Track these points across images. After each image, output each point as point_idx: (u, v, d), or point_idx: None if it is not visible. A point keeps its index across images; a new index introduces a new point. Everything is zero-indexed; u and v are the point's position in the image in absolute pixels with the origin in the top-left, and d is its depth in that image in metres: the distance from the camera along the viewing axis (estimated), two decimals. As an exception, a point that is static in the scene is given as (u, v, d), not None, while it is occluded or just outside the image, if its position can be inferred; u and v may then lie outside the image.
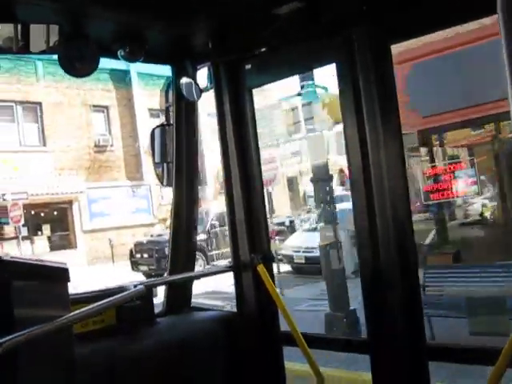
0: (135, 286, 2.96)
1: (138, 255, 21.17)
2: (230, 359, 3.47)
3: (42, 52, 2.73)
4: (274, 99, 8.48)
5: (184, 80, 3.49)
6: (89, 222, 28.06)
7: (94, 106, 28.78)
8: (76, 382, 2.22)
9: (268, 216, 12.15)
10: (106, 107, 29.51)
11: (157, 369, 3.09)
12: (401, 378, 3.00)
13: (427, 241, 12.72)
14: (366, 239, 3.05)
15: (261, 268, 3.40)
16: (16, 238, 24.35)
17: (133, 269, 21.40)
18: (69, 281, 2.23)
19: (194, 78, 3.53)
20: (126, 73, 28.84)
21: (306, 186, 39.28)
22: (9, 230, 25.18)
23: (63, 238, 27.76)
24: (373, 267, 3.03)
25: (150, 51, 3.16)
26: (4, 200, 23.38)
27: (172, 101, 3.69)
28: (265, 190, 13.28)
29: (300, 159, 40.02)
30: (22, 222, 23.71)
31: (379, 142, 2.95)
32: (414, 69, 10.91)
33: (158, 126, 3.76)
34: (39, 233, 27.15)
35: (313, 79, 8.39)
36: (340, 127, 9.97)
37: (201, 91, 3.54)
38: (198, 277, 4.22)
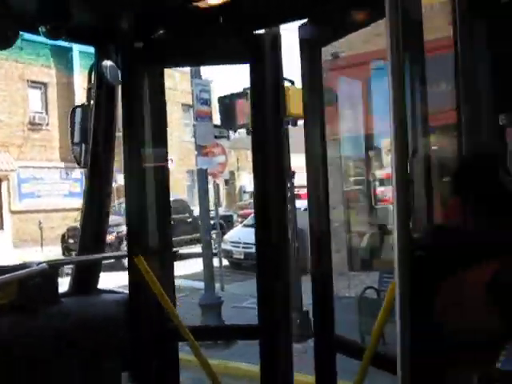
0: (38, 264, 2.96)
1: (71, 240, 20.38)
2: (130, 345, 3.40)
3: None
4: (239, 88, 8.35)
5: (107, 63, 3.51)
6: (18, 202, 26.96)
7: (32, 81, 27.63)
8: None
9: (212, 208, 11.56)
10: (45, 84, 28.36)
11: (53, 347, 3.10)
12: (289, 365, 3.34)
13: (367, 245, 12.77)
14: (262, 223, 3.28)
15: (139, 259, 3.29)
16: None
17: (64, 254, 20.66)
18: None
19: (116, 61, 3.51)
20: (69, 50, 27.73)
21: (243, 182, 39.47)
22: None
23: (-11, 218, 26.54)
24: (268, 253, 3.28)
25: (73, 30, 3.11)
26: None
27: (94, 82, 3.69)
28: (211, 183, 12.85)
29: (246, 153, 40.11)
30: None
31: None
32: (374, 72, 10.88)
33: (78, 106, 3.78)
34: (-37, 210, 25.89)
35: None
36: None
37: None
38: (105, 258, 4.27)
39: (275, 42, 3.27)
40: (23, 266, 3.04)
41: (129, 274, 3.36)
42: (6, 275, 2.59)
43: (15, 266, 3.14)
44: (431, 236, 2.38)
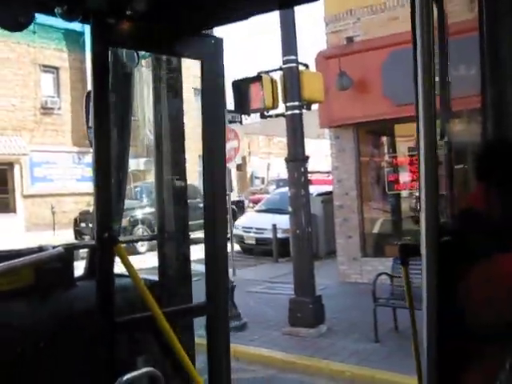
0: (54, 248, 2.93)
1: (83, 224, 20.48)
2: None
3: None
4: (253, 72, 8.30)
5: None
6: (30, 186, 27.09)
7: (44, 65, 27.67)
8: None
9: (227, 193, 11.60)
10: (57, 68, 28.37)
11: (71, 331, 3.09)
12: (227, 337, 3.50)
13: (380, 230, 12.72)
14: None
15: (119, 248, 3.15)
16: (-49, 197, 23.22)
17: (76, 238, 20.76)
18: None
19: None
20: (81, 34, 27.66)
21: (254, 167, 39.44)
22: None
23: (2, 201, 26.66)
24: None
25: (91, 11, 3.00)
26: None
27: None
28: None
29: (258, 139, 40.02)
30: (-40, 181, 22.60)
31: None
32: (391, 56, 10.73)
33: None
34: (-24, 194, 26.05)
35: (296, 54, 8.10)
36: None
37: (138, 58, 3.52)
38: (123, 242, 4.18)
39: (222, 42, 3.48)
40: (39, 249, 3.01)
41: (100, 262, 3.20)
42: (23, 258, 2.58)
43: (31, 249, 3.12)
44: (458, 221, 2.34)
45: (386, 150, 12.83)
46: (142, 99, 26.26)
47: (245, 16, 3.24)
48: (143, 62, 3.73)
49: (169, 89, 3.55)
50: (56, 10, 2.88)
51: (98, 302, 3.10)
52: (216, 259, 3.51)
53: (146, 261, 9.85)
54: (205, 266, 3.45)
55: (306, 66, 8.62)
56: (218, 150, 3.50)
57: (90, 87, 3.21)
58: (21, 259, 2.55)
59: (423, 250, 1.83)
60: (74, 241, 20.46)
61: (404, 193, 12.27)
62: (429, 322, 1.89)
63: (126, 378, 2.67)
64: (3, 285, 3.00)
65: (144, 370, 2.91)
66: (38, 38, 25.29)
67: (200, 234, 3.63)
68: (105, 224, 3.13)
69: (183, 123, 3.66)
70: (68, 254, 3.14)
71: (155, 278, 3.91)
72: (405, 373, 6.38)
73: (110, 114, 3.39)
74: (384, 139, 13.06)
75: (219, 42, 3.50)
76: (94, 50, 3.10)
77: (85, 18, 3.48)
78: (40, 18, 3.06)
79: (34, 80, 27.22)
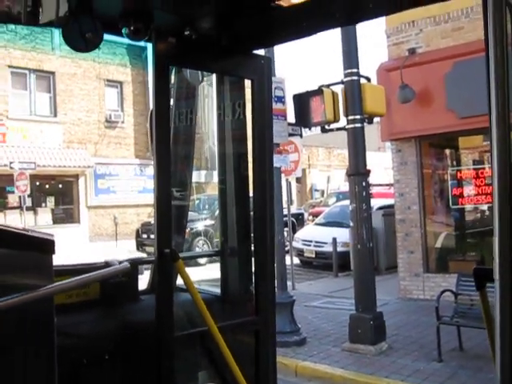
0: (120, 263, 2.98)
1: (145, 235, 20.82)
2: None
3: (49, 25, 2.77)
4: (314, 85, 8.27)
5: None
6: (94, 197, 27.81)
7: (109, 80, 28.44)
8: (55, 349, 2.29)
9: (284, 207, 11.45)
10: (121, 83, 29.13)
11: (134, 344, 3.16)
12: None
13: (443, 245, 12.40)
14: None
15: (179, 264, 3.23)
16: (20, 207, 24.02)
17: (138, 249, 21.09)
18: (54, 253, 2.29)
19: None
20: (143, 49, 28.38)
21: (314, 179, 39.29)
22: (13, 199, 24.87)
23: (67, 212, 27.48)
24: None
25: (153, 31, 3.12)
26: (11, 168, 23.02)
27: (174, 82, 3.75)
28: (284, 181, 12.73)
29: (317, 151, 39.87)
30: (28, 192, 23.37)
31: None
32: (455, 67, 10.51)
33: None
34: (43, 205, 26.88)
35: (358, 67, 8.03)
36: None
37: (202, 76, 3.69)
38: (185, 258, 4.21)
39: (270, 61, 3.66)
40: (106, 264, 3.08)
41: (160, 277, 3.26)
42: (90, 274, 2.61)
43: (97, 263, 3.20)
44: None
45: (449, 163, 12.52)
46: (205, 113, 26.67)
47: (308, 33, 3.24)
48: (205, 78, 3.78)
49: (233, 105, 3.59)
50: (123, 31, 2.99)
51: (158, 317, 3.14)
52: (265, 274, 3.54)
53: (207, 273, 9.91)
54: (254, 281, 3.51)
55: (368, 79, 8.51)
56: (267, 164, 3.58)
57: (152, 102, 3.27)
58: (89, 275, 2.59)
59: (496, 275, 1.75)
60: (136, 252, 20.84)
61: (468, 207, 11.94)
62: (502, 348, 1.81)
63: None
64: (72, 297, 3.14)
65: None
66: (102, 53, 26.05)
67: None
68: (165, 240, 3.16)
69: (246, 137, 3.69)
70: (133, 269, 3.20)
71: (218, 290, 3.94)
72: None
73: (171, 130, 3.44)
74: (447, 152, 12.76)
75: (268, 61, 3.63)
76: (155, 68, 3.16)
77: (148, 37, 3.58)
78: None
79: (98, 94, 28.01)
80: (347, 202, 8.93)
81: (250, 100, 3.53)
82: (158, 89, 3.17)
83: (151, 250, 20.17)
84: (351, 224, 8.35)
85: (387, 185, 25.46)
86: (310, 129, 9.53)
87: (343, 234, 15.01)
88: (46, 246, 2.31)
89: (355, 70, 8.14)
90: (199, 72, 3.62)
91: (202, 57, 3.36)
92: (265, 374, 3.58)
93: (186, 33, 3.19)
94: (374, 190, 21.87)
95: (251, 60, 3.53)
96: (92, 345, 2.99)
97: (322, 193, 38.37)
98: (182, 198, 3.94)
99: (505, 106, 1.82)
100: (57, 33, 25.50)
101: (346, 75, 8.16)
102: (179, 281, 3.94)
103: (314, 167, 39.37)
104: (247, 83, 3.66)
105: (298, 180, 33.04)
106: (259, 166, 3.49)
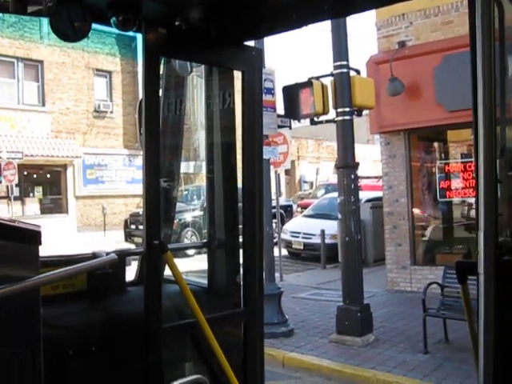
0: (107, 254, 2.99)
1: (133, 226, 20.79)
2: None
3: (37, 14, 2.70)
4: (303, 77, 8.23)
5: None
6: (82, 187, 27.68)
7: (98, 69, 28.24)
8: (41, 340, 2.31)
9: (273, 198, 11.41)
10: (110, 72, 28.94)
11: (122, 335, 3.16)
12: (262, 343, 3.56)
13: (431, 238, 12.47)
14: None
15: (167, 256, 3.24)
16: (7, 197, 23.88)
17: (126, 240, 21.05)
18: (40, 244, 2.30)
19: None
20: (133, 39, 28.21)
21: (303, 171, 39.32)
22: (0, 189, 24.71)
23: (55, 202, 27.35)
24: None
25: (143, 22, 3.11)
26: (-1, 158, 22.87)
27: (162, 73, 3.73)
28: (273, 172, 12.69)
29: (307, 143, 39.86)
30: (16, 181, 23.22)
31: None
32: (444, 61, 10.53)
33: None
34: (31, 194, 26.74)
35: (347, 60, 8.01)
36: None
37: (191, 67, 3.64)
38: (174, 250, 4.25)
39: (261, 52, 3.64)
40: (93, 255, 3.08)
41: (147, 269, 3.25)
42: (77, 265, 2.61)
43: (85, 255, 3.20)
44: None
45: (437, 156, 12.57)
46: (194, 104, 26.47)
47: (298, 25, 3.23)
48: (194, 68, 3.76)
49: (221, 94, 3.57)
50: (112, 21, 2.97)
51: (147, 308, 3.14)
52: (253, 266, 3.54)
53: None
54: (242, 273, 3.51)
55: (358, 71, 8.51)
56: (256, 155, 3.58)
57: (141, 92, 3.25)
58: (76, 265, 2.59)
59: (481, 269, 1.77)
60: (124, 242, 20.80)
61: (456, 200, 12.01)
62: (485, 341, 1.83)
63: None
64: (58, 288, 3.13)
65: (193, 377, 2.92)
66: (91, 42, 25.85)
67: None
68: (154, 231, 3.16)
69: (235, 128, 3.68)
70: (120, 260, 3.18)
71: (205, 282, 3.93)
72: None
73: (161, 121, 3.41)
74: (436, 145, 12.82)
75: (259, 52, 3.61)
76: (145, 59, 3.14)
77: (137, 27, 3.54)
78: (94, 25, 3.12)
79: (87, 84, 27.81)
80: (336, 194, 8.93)
81: (240, 91, 3.52)
82: (147, 80, 3.16)
83: (139, 240, 20.15)
84: (339, 216, 8.37)
85: (376, 177, 25.54)
86: (299, 121, 9.53)
87: (331, 226, 15.03)
88: (32, 237, 2.31)
89: (345, 63, 8.14)
90: (188, 62, 3.60)
91: (192, 48, 3.33)
92: (252, 365, 3.59)
93: (177, 23, 3.17)
94: (362, 182, 21.92)
95: (242, 51, 3.51)
96: (78, 336, 2.98)
97: (311, 185, 38.41)
98: (170, 189, 3.92)
99: (491, 100, 1.83)
100: (45, 21, 25.26)
101: (335, 67, 8.15)
102: (167, 272, 3.96)
103: (303, 159, 39.40)
104: (236, 74, 3.65)
105: (287, 172, 33.11)
106: (248, 157, 3.48)
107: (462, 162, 11.58)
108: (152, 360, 3.12)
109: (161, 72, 3.72)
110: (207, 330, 3.22)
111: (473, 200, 11.69)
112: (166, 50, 3.30)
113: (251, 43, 3.74)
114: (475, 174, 1.88)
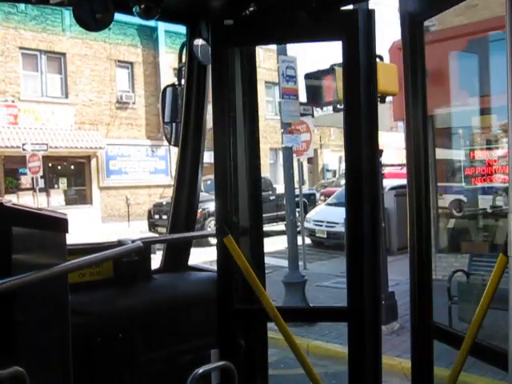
0: (133, 242, 3.00)
1: (157, 216, 20.93)
2: (218, 323, 3.32)
3: (60, 4, 2.76)
4: (326, 64, 8.17)
5: (198, 42, 3.52)
6: (106, 178, 27.91)
7: (119, 61, 28.34)
8: (69, 327, 2.33)
9: (296, 187, 11.38)
10: (131, 63, 29.03)
11: (149, 323, 3.18)
12: (377, 348, 3.28)
13: (456, 225, 12.34)
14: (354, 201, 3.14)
15: (228, 239, 3.18)
16: (32, 189, 24.17)
17: (150, 230, 21.20)
18: (67, 231, 2.34)
19: (208, 40, 3.42)
20: (154, 30, 28.26)
21: (326, 160, 39.16)
22: (26, 180, 25.03)
23: (79, 193, 27.62)
24: (359, 233, 3.11)
25: (166, 10, 3.09)
26: (24, 150, 23.12)
27: (185, 61, 3.69)
28: (296, 161, 12.67)
29: (329, 131, 39.70)
30: (41, 173, 23.49)
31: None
32: (469, 45, 10.38)
33: (168, 86, 3.84)
34: (56, 186, 27.03)
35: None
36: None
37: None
38: (196, 237, 4.23)
39: (369, 17, 3.09)
40: (118, 243, 3.09)
41: (217, 253, 3.30)
42: (103, 252, 2.65)
43: (111, 243, 3.22)
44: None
45: (462, 143, 12.41)
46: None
47: None
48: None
49: (243, 82, 3.53)
50: (134, 10, 2.95)
51: (218, 291, 3.20)
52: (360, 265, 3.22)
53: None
54: (347, 270, 3.25)
55: (381, 57, 8.42)
56: (374, 140, 3.38)
57: (163, 82, 3.25)
58: (102, 253, 2.63)
59: (510, 252, 1.74)
60: (148, 232, 20.94)
61: (481, 187, 11.86)
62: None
63: (201, 370, 2.69)
64: (85, 276, 3.16)
65: (220, 363, 2.91)
66: (113, 34, 25.96)
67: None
68: (221, 216, 3.25)
69: (258, 116, 3.64)
70: (146, 247, 3.19)
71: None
72: (479, 374, 6.18)
73: (228, 113, 3.37)
74: (460, 131, 12.65)
75: (368, 15, 3.11)
76: (214, 52, 3.16)
77: (181, 19, 3.59)
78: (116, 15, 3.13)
79: (109, 75, 27.95)
80: (359, 182, 8.86)
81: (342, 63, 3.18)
82: (216, 73, 3.17)
83: (163, 230, 20.26)
84: (363, 204, 8.31)
85: (399, 165, 25.30)
86: (321, 109, 9.48)
87: (355, 215, 14.93)
88: (59, 225, 2.33)
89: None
90: (209, 51, 3.55)
91: (269, 32, 3.27)
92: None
93: (244, 13, 3.16)
94: (386, 170, 21.74)
95: (340, 18, 3.17)
96: (106, 323, 2.99)
97: (334, 173, 38.27)
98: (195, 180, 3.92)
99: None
100: (67, 13, 25.43)
101: (358, 54, 8.07)
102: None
103: (326, 147, 39.22)
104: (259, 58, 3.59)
105: (310, 160, 32.94)
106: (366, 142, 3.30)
107: (487, 148, 11.43)
108: (224, 341, 3.14)
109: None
110: (279, 319, 3.15)
111: (498, 186, 11.55)
112: (242, 40, 3.29)
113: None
114: (508, 158, 1.85)
